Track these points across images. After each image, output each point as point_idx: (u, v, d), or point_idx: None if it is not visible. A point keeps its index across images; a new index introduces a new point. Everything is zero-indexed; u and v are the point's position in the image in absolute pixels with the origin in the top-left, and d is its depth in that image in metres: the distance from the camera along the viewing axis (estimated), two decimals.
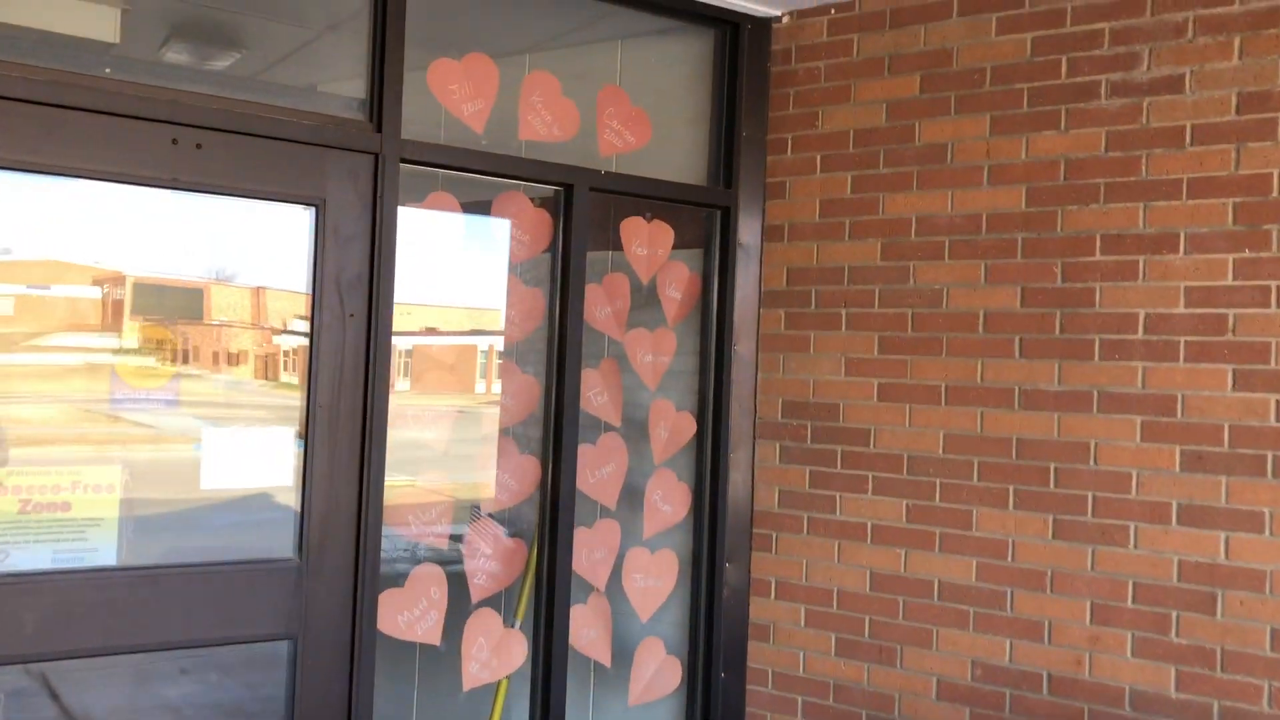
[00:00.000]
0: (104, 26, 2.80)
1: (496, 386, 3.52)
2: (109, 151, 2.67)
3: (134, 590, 2.73)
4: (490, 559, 3.39)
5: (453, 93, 3.24)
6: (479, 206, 3.41)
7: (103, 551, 2.73)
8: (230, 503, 2.94)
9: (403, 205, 3.13)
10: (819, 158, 3.71)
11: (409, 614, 3.22)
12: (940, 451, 3.46)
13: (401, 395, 3.39)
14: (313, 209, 2.98)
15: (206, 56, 3.00)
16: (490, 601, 3.39)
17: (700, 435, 3.80)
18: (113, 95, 2.66)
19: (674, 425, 3.75)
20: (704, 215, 3.81)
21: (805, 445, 3.70)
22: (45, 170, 2.61)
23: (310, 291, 2.97)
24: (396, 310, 3.08)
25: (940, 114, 3.49)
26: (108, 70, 2.76)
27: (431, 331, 3.54)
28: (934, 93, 3.51)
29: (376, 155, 3.03)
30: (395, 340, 3.10)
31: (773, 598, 3.74)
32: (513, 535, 3.47)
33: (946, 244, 3.47)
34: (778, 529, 3.74)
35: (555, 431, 3.41)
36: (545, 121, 3.42)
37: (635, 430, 3.71)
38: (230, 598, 2.85)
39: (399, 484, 3.25)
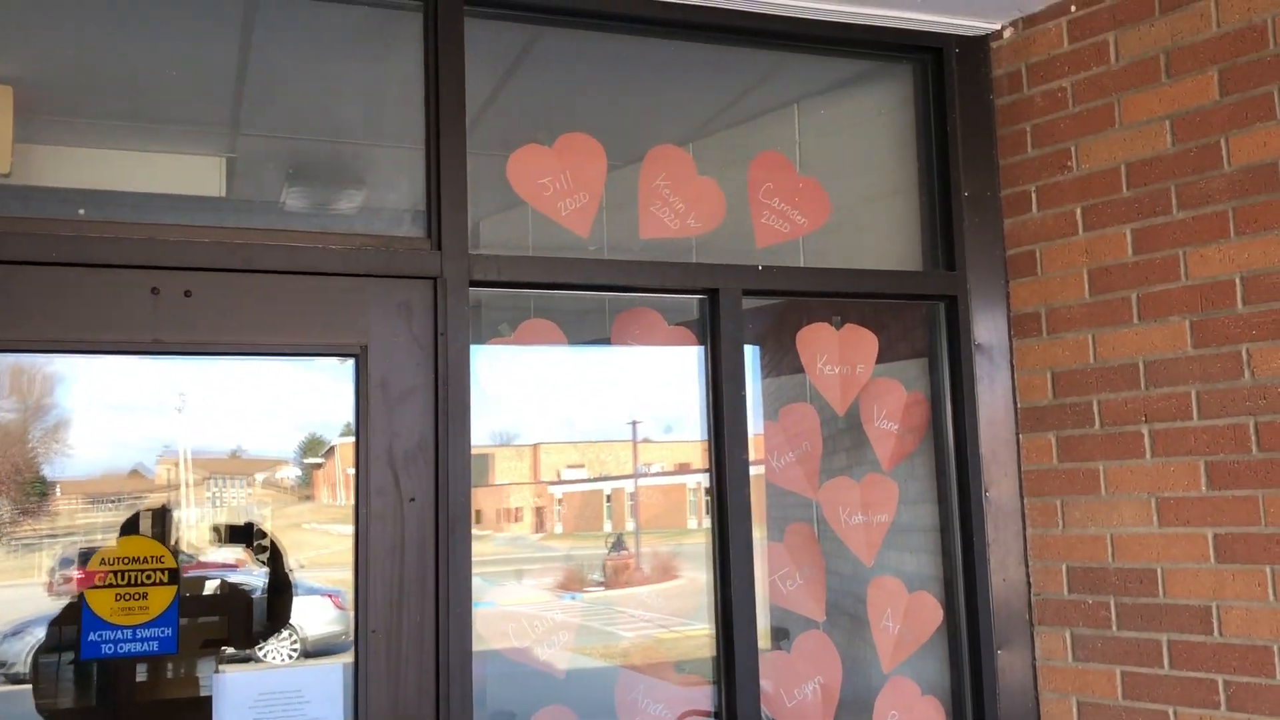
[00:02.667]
0: None
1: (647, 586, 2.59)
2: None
3: None
4: None
5: (544, 188, 2.43)
6: (594, 331, 2.54)
7: None
8: None
9: (485, 344, 2.33)
10: (1079, 211, 2.58)
11: None
12: None
13: None
14: (351, 360, 2.22)
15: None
16: None
17: (950, 625, 2.65)
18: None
19: (908, 613, 2.63)
20: (920, 312, 2.75)
21: (1110, 634, 2.47)
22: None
23: (356, 473, 2.19)
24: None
25: (1259, 119, 2.30)
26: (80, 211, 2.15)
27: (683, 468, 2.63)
28: (1243, 91, 2.33)
29: (435, 280, 2.25)
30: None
31: None
32: None
33: None
34: None
35: (724, 641, 2.40)
36: (675, 211, 2.53)
37: (849, 624, 2.63)
38: None
39: None
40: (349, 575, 2.86)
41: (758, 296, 2.53)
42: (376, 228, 2.32)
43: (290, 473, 3.14)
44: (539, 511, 4.00)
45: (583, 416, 2.78)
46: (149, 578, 2.13)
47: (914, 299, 2.69)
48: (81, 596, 2.10)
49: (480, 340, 2.34)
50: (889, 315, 2.73)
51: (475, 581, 2.63)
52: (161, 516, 2.41)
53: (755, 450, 2.46)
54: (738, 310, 2.46)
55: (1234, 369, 2.31)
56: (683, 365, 2.53)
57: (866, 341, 2.66)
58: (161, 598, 2.12)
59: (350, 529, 2.17)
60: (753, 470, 2.44)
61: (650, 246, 2.50)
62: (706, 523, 3.27)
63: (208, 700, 2.10)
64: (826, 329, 2.64)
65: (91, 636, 2.05)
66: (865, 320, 2.67)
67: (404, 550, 2.18)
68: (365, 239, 2.23)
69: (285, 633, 2.90)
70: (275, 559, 2.90)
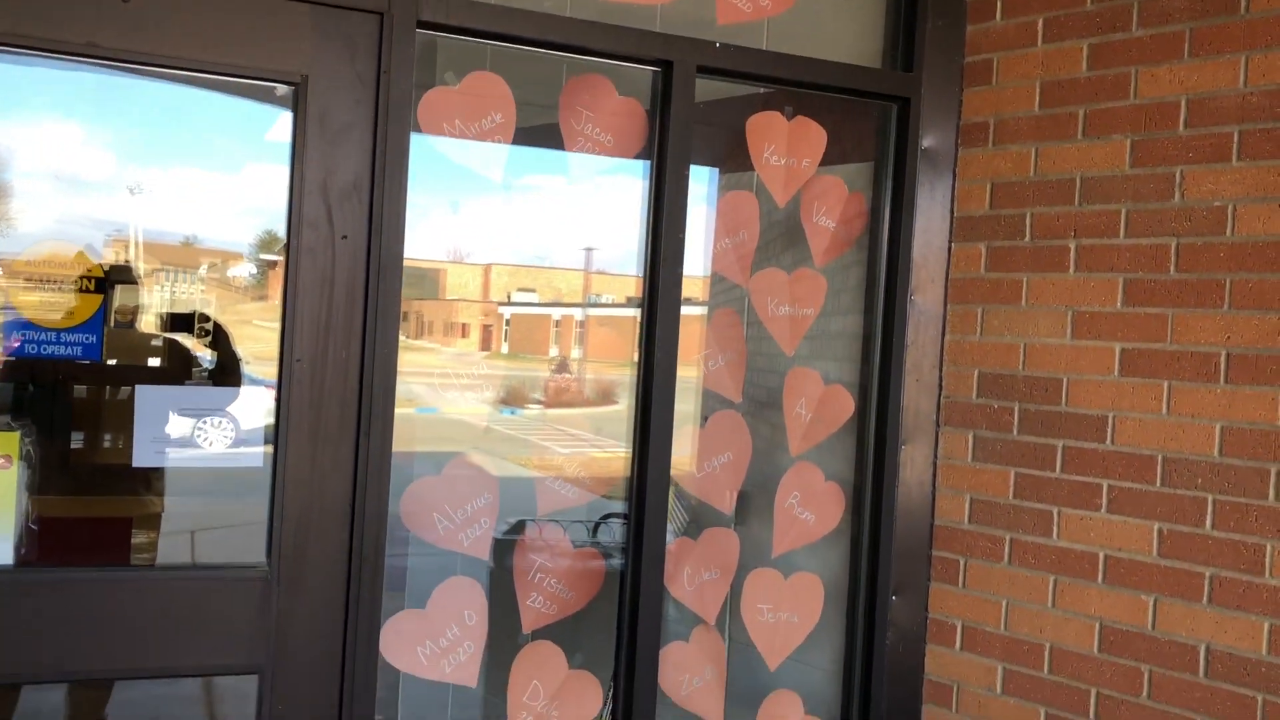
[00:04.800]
0: None
1: (576, 349, 2.64)
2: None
3: (34, 599, 2.02)
4: (551, 575, 2.51)
5: None
6: (542, 96, 2.50)
7: None
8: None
9: (426, 90, 2.29)
10: (1041, 22, 2.57)
11: (433, 645, 2.38)
12: (1216, 454, 2.28)
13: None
14: (291, 90, 2.18)
15: None
16: (551, 632, 2.51)
17: (860, 418, 2.75)
18: None
19: (821, 403, 2.72)
20: (872, 111, 2.74)
21: (1011, 437, 2.58)
22: None
23: (288, 205, 2.17)
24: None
25: None
26: None
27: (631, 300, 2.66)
28: None
29: (382, 15, 2.19)
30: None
31: (958, 648, 2.66)
32: (584, 545, 2.57)
33: (1236, 137, 2.27)
34: (968, 553, 2.65)
35: (641, 406, 2.47)
36: None
37: (763, 409, 2.72)
38: (170, 614, 2.10)
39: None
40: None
41: (712, 76, 2.49)
42: None
43: (244, 269, 3.12)
44: (486, 330, 4.05)
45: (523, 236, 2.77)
46: (77, 285, 2.12)
47: (869, 96, 2.67)
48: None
49: (426, 87, 2.30)
50: (839, 114, 2.71)
51: (419, 389, 2.68)
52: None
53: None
54: (690, 86, 2.43)
55: (1166, 190, 2.36)
56: (623, 136, 2.51)
57: (815, 135, 2.66)
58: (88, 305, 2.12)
59: None
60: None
61: (609, 11, 2.45)
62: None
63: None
64: (778, 118, 2.63)
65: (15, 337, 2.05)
66: (816, 114, 2.66)
67: (334, 286, 2.19)
68: None
69: (223, 420, 2.93)
70: (220, 339, 2.91)
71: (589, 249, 3.45)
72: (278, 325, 2.17)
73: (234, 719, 3.74)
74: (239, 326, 2.96)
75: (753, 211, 2.64)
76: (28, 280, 2.26)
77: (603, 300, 3.63)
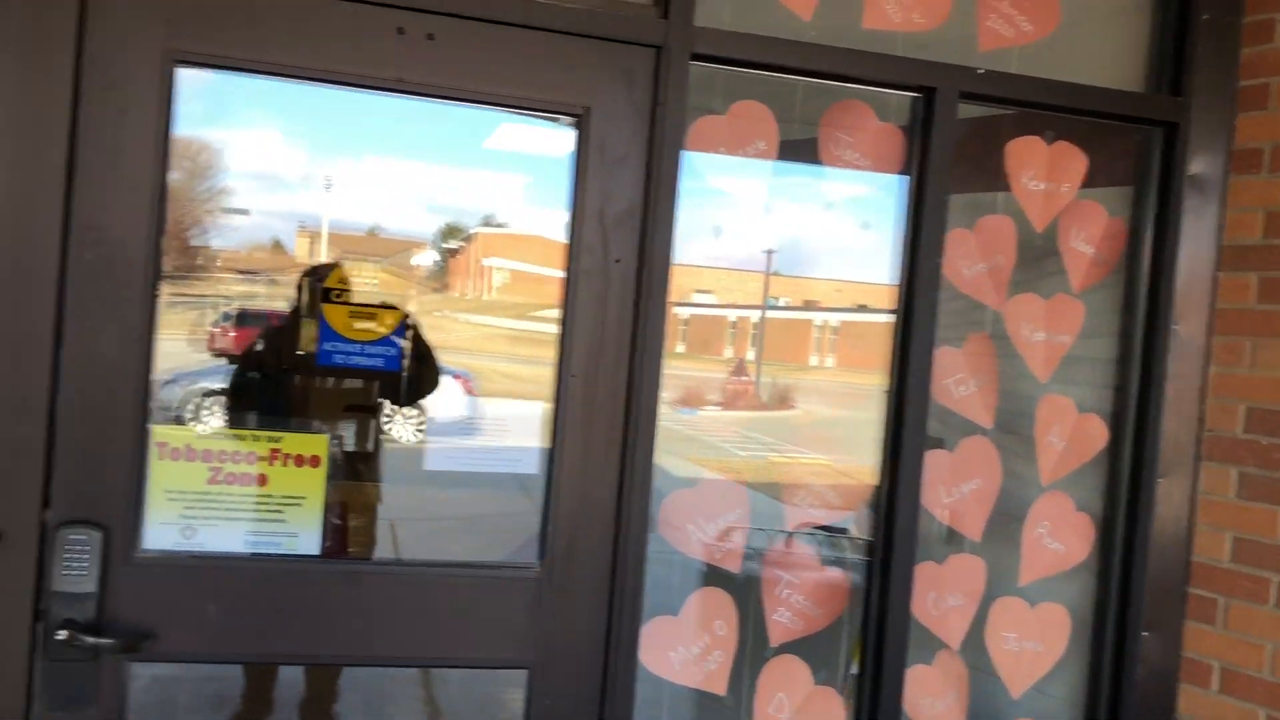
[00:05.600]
0: None
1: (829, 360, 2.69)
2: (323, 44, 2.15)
3: (336, 589, 2.21)
4: (799, 591, 2.56)
5: None
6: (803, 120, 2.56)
7: (304, 539, 2.24)
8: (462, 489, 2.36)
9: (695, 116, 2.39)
10: None
11: (685, 651, 2.48)
12: None
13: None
14: (574, 121, 2.31)
15: None
16: (797, 647, 2.57)
17: (1114, 449, 2.69)
18: None
19: (1074, 432, 2.68)
20: (1132, 134, 2.68)
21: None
22: (243, 68, 2.13)
23: (568, 230, 2.30)
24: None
25: None
26: None
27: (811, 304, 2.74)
28: None
29: (659, 49, 2.29)
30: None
31: (1215, 690, 2.57)
32: (832, 562, 2.61)
33: None
34: (1229, 593, 2.56)
35: (894, 428, 2.49)
36: (900, 4, 2.50)
37: (1014, 437, 2.69)
38: (451, 608, 2.26)
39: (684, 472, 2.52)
40: (474, 362, 3.06)
41: (974, 102, 2.50)
42: None
43: (426, 258, 3.29)
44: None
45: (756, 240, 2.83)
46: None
47: (1134, 121, 2.62)
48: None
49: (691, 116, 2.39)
50: (1098, 137, 2.67)
51: None
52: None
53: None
54: (952, 112, 2.45)
55: None
56: (880, 160, 2.54)
57: (1076, 160, 2.63)
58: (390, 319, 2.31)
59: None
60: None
61: (869, 37, 2.49)
62: (830, 361, 3.34)
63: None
64: (1038, 143, 2.61)
65: (326, 346, 2.26)
66: (1077, 139, 2.63)
67: (607, 306, 2.31)
68: (594, 1, 2.28)
69: (413, 412, 3.11)
70: (415, 331, 3.08)
71: (769, 251, 3.44)
72: (458, 315, 2.29)
73: (445, 700, 3.99)
74: (420, 318, 3.09)
75: (1010, 235, 2.63)
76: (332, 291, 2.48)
77: (779, 303, 3.61)
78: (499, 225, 3.24)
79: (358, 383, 2.83)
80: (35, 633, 2.05)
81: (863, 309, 2.96)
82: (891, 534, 2.47)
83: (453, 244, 3.29)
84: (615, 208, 2.30)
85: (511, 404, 2.67)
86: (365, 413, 3.00)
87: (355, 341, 2.26)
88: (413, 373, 2.92)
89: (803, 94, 2.50)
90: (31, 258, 2.02)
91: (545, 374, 2.28)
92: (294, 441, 2.21)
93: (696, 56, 2.32)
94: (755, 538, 2.54)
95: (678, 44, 2.29)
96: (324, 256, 2.93)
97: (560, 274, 2.29)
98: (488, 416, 2.79)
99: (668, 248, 2.31)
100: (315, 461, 2.23)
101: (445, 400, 3.01)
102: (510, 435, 2.44)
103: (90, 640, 2.03)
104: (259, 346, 3.07)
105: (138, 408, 2.08)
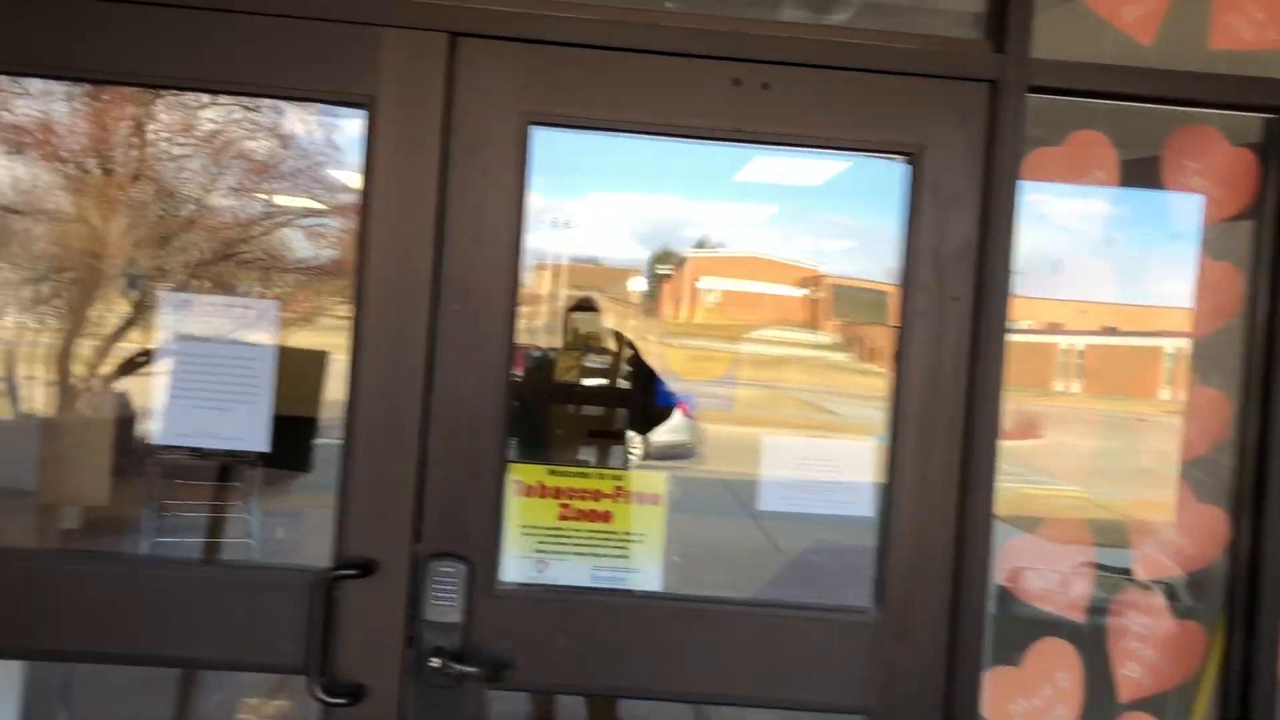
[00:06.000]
0: None
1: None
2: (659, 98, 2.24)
3: (676, 625, 2.26)
4: (1147, 645, 2.41)
5: None
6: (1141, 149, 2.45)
7: (645, 574, 2.31)
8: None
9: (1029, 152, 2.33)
10: None
11: (1025, 703, 2.38)
12: None
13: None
14: (907, 160, 2.30)
15: None
16: (1147, 705, 2.41)
17: None
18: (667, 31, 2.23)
19: None
20: None
21: None
22: (592, 125, 2.25)
23: (901, 268, 2.29)
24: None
25: None
26: (668, 4, 2.34)
27: (1055, 327, 2.63)
28: None
29: (994, 83, 2.26)
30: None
31: None
32: (1183, 615, 2.44)
33: None
34: None
35: (1257, 472, 2.32)
36: (1253, 21, 2.35)
37: None
38: (789, 650, 2.27)
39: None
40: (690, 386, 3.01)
41: None
42: (938, 29, 2.34)
43: (638, 284, 3.32)
44: None
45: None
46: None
47: None
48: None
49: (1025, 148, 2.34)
50: None
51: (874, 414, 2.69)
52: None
53: None
54: None
55: None
56: (1233, 190, 2.38)
57: None
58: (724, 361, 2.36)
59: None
60: None
61: (1214, 58, 2.36)
62: (1075, 387, 3.12)
63: None
64: None
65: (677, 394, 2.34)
66: None
67: (941, 343, 2.27)
68: (926, 40, 2.28)
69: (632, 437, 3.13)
70: (637, 358, 3.10)
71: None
72: (671, 343, 2.30)
73: None
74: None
75: None
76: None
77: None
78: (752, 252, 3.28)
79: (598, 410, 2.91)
80: (406, 658, 2.20)
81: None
82: (1257, 583, 2.30)
83: (664, 269, 3.33)
84: (950, 245, 2.27)
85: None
86: (610, 438, 3.08)
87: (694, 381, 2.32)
88: (650, 396, 2.98)
89: (1142, 119, 2.40)
90: (407, 312, 2.19)
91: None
92: (636, 479, 2.29)
93: (1034, 89, 2.26)
94: (1100, 584, 2.42)
95: (1014, 78, 2.24)
96: (564, 289, 3.05)
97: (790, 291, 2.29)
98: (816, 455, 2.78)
99: (1005, 284, 2.25)
100: (655, 499, 2.30)
101: (662, 425, 3.06)
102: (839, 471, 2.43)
103: (459, 668, 2.16)
104: (520, 377, 3.22)
105: (498, 447, 2.21)
